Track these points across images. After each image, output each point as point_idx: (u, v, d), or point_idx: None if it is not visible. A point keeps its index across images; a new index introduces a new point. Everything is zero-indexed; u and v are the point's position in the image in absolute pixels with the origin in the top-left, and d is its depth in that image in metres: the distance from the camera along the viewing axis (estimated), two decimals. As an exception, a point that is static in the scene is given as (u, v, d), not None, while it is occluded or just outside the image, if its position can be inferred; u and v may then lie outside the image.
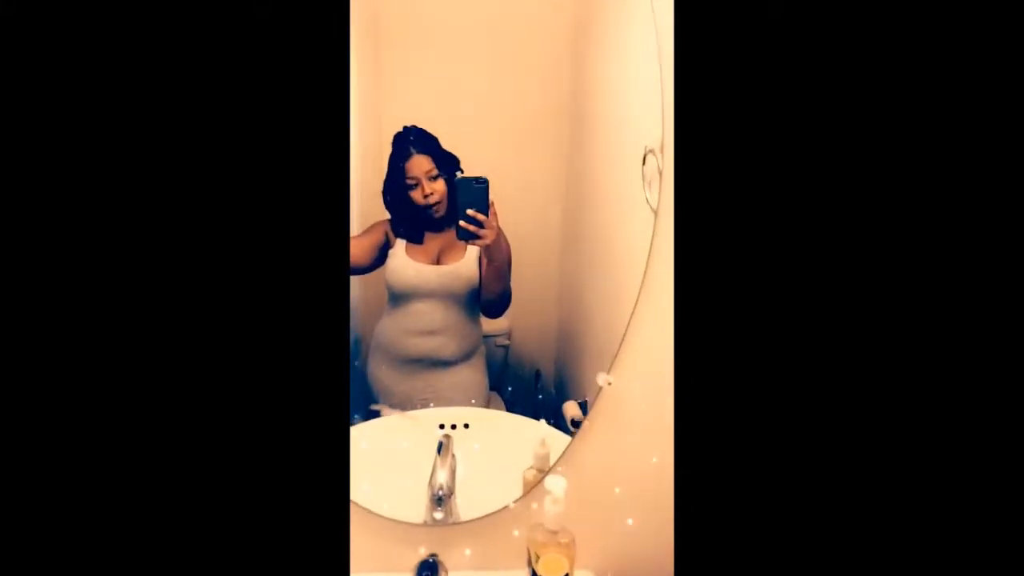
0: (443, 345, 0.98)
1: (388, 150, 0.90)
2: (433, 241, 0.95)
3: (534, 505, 0.93)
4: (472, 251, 0.95)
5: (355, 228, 0.93)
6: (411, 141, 0.90)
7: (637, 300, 0.91)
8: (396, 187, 0.91)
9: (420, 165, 0.90)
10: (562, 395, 1.01)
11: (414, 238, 0.95)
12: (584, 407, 0.98)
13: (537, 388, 1.03)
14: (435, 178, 0.91)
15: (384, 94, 0.90)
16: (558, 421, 0.99)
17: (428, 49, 0.91)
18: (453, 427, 0.98)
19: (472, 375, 1.01)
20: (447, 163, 0.91)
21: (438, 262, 0.96)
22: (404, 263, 0.95)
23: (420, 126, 0.89)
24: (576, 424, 0.97)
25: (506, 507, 0.95)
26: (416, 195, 0.91)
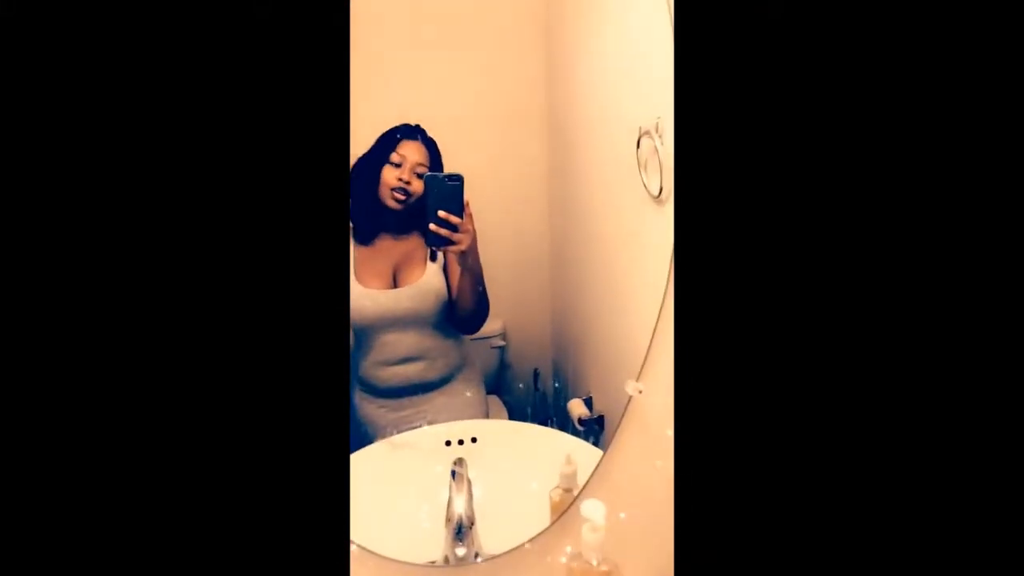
0: (425, 369, 0.89)
1: (359, 150, 0.80)
2: (386, 253, 0.83)
3: (567, 532, 0.85)
4: (434, 261, 0.84)
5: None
6: (419, 131, 0.81)
7: (663, 299, 0.81)
8: (372, 163, 0.80)
9: (414, 152, 0.80)
10: (565, 393, 0.93)
11: (364, 235, 0.83)
12: (589, 403, 0.90)
13: (537, 387, 0.95)
14: (419, 176, 0.80)
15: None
16: (562, 420, 0.92)
17: (396, 38, 0.81)
18: (460, 443, 0.89)
19: (466, 388, 0.92)
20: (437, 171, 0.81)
21: (395, 283, 0.84)
22: (358, 294, 0.83)
23: (390, 120, 0.81)
24: (583, 423, 0.90)
25: (536, 536, 0.87)
26: (389, 174, 0.80)
